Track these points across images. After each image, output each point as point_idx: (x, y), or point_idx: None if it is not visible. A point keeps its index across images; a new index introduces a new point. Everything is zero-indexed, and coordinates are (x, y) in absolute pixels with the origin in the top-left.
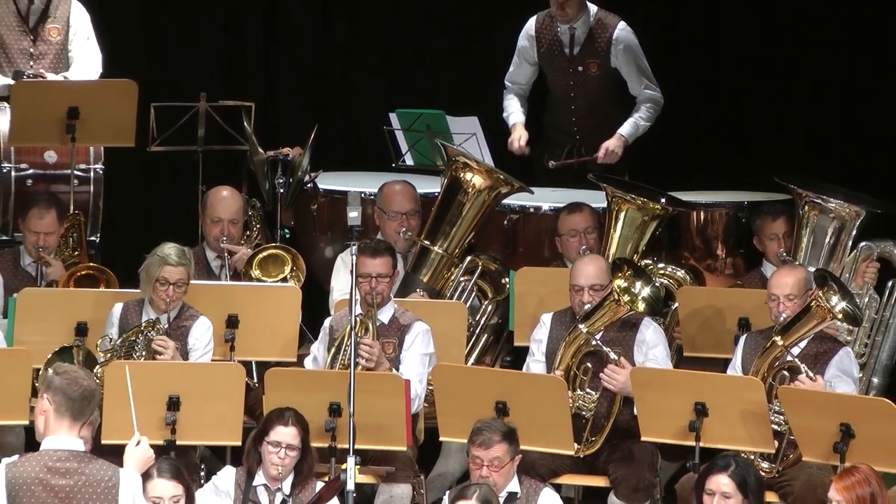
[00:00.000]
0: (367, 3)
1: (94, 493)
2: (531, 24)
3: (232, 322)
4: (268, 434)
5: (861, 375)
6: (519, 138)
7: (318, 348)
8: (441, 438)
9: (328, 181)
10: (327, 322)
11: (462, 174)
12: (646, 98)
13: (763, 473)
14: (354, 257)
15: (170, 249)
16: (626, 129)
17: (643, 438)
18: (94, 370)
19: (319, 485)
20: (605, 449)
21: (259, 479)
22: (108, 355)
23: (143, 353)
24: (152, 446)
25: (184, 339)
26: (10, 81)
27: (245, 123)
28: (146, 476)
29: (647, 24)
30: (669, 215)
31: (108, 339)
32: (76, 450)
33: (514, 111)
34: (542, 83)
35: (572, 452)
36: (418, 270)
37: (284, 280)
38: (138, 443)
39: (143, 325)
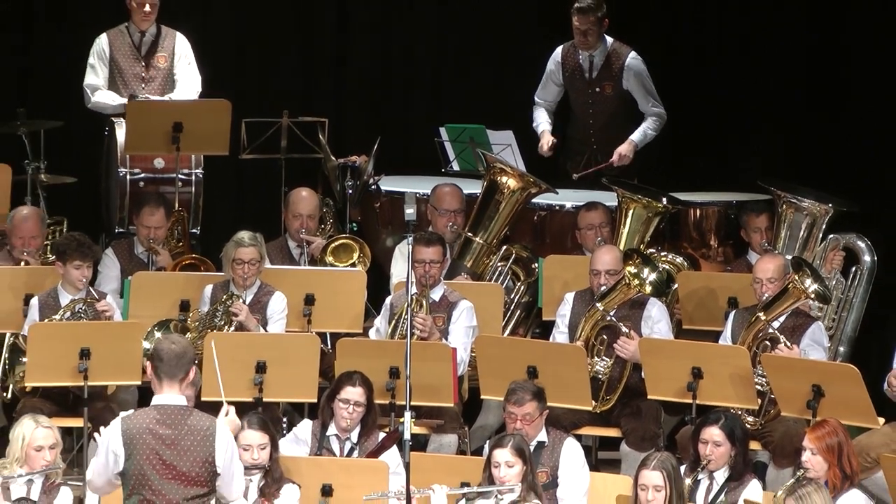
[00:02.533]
0: (420, 34)
1: (194, 440)
2: (558, 52)
3: (309, 300)
4: (339, 393)
5: (830, 345)
6: (547, 143)
7: (380, 322)
8: (482, 397)
9: (388, 183)
10: (388, 300)
11: (499, 178)
12: (653, 114)
13: (748, 426)
14: (411, 246)
15: (242, 234)
16: (636, 135)
17: (649, 397)
18: (193, 341)
19: (381, 435)
20: (617, 406)
21: (331, 430)
22: (197, 324)
23: (223, 321)
24: (242, 403)
25: (263, 311)
26: (126, 101)
27: (320, 135)
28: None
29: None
30: (670, 212)
31: (197, 312)
32: (179, 405)
33: (542, 121)
34: (565, 102)
35: (590, 408)
36: (463, 257)
37: (353, 265)
38: (227, 413)
39: (223, 299)
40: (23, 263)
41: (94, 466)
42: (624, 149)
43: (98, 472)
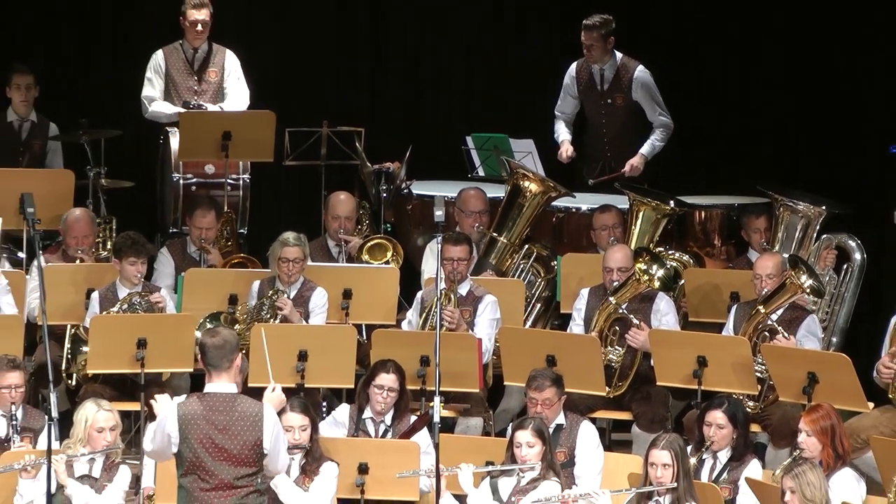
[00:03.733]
0: (449, 52)
1: (244, 424)
2: (573, 67)
3: (347, 294)
4: (374, 379)
5: (823, 336)
6: (566, 151)
7: (412, 314)
8: (505, 383)
9: (419, 188)
10: (419, 294)
11: (521, 182)
12: (660, 123)
13: (749, 410)
14: (440, 245)
15: (288, 235)
16: (645, 148)
17: (658, 383)
18: (241, 332)
19: (413, 418)
20: (629, 391)
21: (367, 413)
22: (245, 317)
23: (269, 314)
24: (285, 389)
25: (305, 305)
26: (181, 110)
27: (357, 144)
28: (281, 411)
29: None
30: (677, 214)
31: (245, 306)
32: (229, 392)
33: (562, 132)
34: (581, 114)
35: (604, 394)
36: (488, 255)
37: (387, 262)
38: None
39: (269, 294)
40: (77, 261)
41: (149, 437)
42: (635, 161)
43: (152, 442)
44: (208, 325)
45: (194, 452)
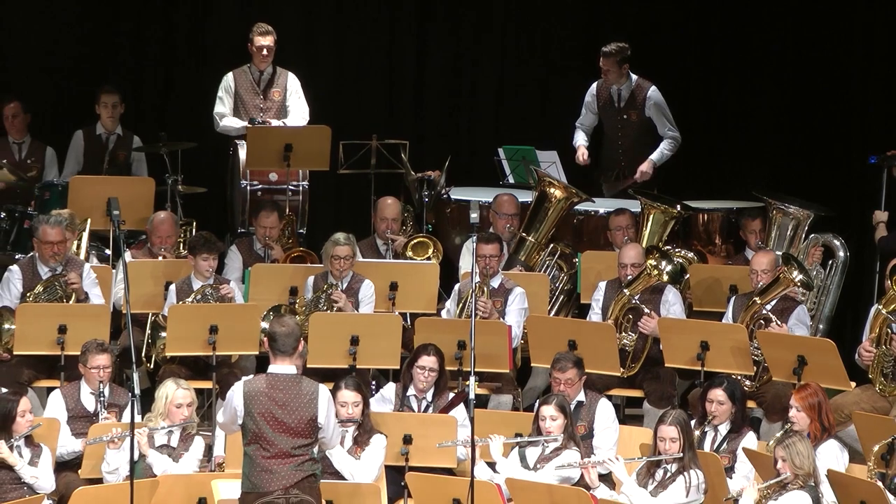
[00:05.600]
0: (483, 73)
1: (301, 402)
2: (593, 87)
3: (393, 286)
4: (417, 361)
5: (811, 323)
6: (582, 154)
7: (450, 304)
8: (532, 364)
9: (457, 193)
10: (456, 287)
11: (547, 189)
12: (669, 137)
13: (746, 388)
14: (475, 244)
15: (338, 235)
16: (655, 155)
17: (666, 365)
18: (300, 322)
19: (451, 395)
20: (640, 372)
21: (411, 391)
22: (303, 308)
23: (325, 306)
24: (340, 370)
25: (355, 295)
26: (248, 125)
27: (402, 154)
28: (336, 388)
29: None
30: (683, 217)
31: (303, 298)
32: (290, 373)
33: (579, 139)
34: (598, 128)
35: (619, 374)
36: (517, 253)
37: (428, 259)
38: None
39: (324, 288)
40: (160, 258)
41: (223, 411)
42: (645, 167)
43: (223, 415)
44: (271, 316)
45: (257, 424)
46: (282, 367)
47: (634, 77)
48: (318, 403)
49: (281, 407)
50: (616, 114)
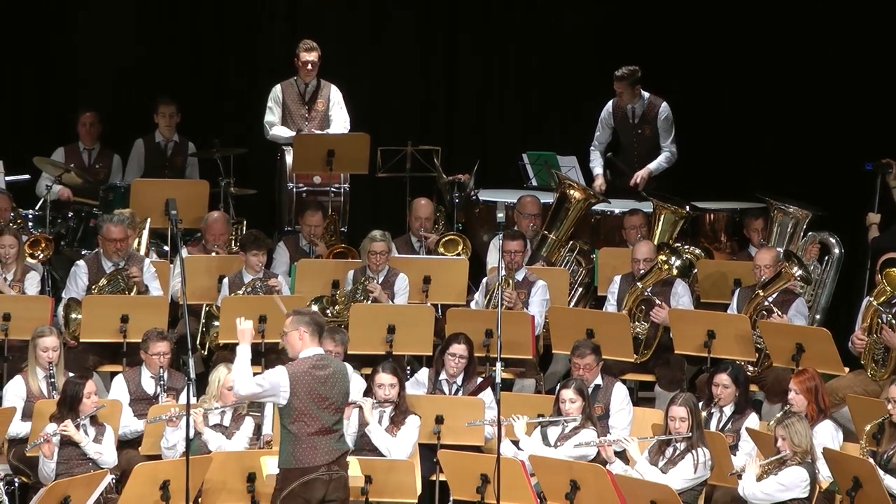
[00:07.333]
0: (509, 86)
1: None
2: (609, 104)
3: (426, 280)
4: (448, 348)
5: (809, 314)
6: (599, 186)
7: (478, 296)
8: (553, 351)
9: (485, 195)
10: (484, 280)
11: (567, 191)
12: (668, 151)
13: (748, 373)
14: (501, 241)
15: (375, 232)
16: (653, 165)
17: (676, 351)
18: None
19: (479, 379)
20: (652, 358)
21: (443, 376)
22: (343, 299)
23: (362, 297)
24: (378, 356)
25: (391, 288)
26: (295, 134)
27: (434, 159)
28: (374, 371)
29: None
30: (691, 216)
31: (343, 291)
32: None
33: (596, 166)
34: (615, 139)
35: (633, 360)
36: (540, 249)
37: (458, 255)
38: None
39: (362, 280)
40: (214, 254)
41: (254, 381)
42: (644, 173)
43: (259, 385)
44: (314, 307)
45: (303, 402)
46: (312, 350)
47: (646, 95)
48: (348, 378)
49: (323, 384)
50: (631, 129)
